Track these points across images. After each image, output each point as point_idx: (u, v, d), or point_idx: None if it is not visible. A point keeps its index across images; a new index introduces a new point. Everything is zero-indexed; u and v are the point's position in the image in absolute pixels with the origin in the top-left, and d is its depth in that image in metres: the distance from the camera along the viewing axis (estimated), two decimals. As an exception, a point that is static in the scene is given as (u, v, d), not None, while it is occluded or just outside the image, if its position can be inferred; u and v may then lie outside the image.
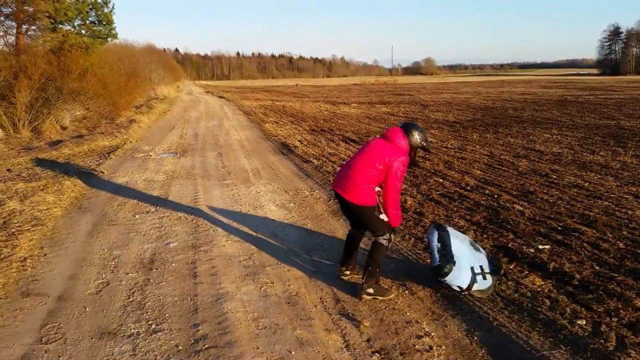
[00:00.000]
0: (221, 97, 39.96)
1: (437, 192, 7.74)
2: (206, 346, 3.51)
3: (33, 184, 7.85)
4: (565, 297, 4.22)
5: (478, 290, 4.29)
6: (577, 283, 4.49)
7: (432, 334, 3.74)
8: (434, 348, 3.55)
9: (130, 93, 23.34)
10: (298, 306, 4.14)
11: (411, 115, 20.17)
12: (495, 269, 4.45)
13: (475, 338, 3.70)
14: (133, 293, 4.32)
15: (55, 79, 16.30)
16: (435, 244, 4.37)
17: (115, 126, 16.20)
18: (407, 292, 4.41)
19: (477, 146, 12.01)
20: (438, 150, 11.31)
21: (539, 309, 4.03)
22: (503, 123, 16.61)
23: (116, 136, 14.02)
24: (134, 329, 3.73)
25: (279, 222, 6.36)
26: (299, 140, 13.39)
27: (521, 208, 6.79)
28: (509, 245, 5.47)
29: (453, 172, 9.09)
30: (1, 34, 16.59)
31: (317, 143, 12.89)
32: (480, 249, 4.61)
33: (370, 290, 4.29)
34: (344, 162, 4.79)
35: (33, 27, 18.24)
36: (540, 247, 5.37)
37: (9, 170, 9.54)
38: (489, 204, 7.00)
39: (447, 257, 4.24)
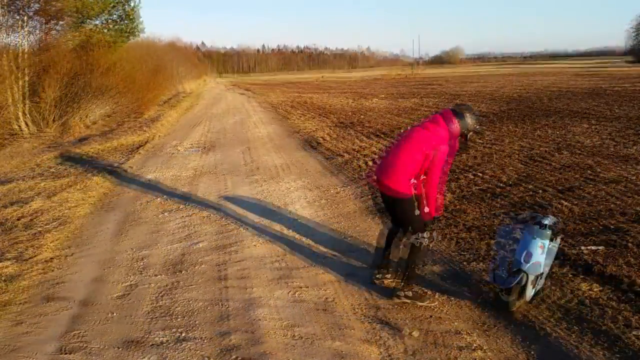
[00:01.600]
0: (246, 90, 39.90)
1: (477, 187, 7.38)
2: (238, 357, 3.27)
3: (60, 181, 7.76)
4: (628, 305, 3.86)
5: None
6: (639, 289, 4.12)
7: (484, 348, 3.42)
8: (486, 364, 3.25)
9: (156, 89, 23.34)
10: (334, 313, 3.87)
11: (440, 107, 19.67)
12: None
13: (532, 353, 3.37)
14: (161, 297, 4.11)
15: (82, 75, 16.33)
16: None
17: (141, 122, 16.18)
18: (452, 298, 4.09)
19: (513, 138, 11.55)
20: (473, 142, 10.90)
21: (600, 320, 3.67)
22: (538, 114, 16.01)
23: (143, 132, 13.96)
24: (161, 337, 3.51)
25: (310, 221, 6.10)
26: (326, 135, 13.10)
27: (568, 205, 6.39)
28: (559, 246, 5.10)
29: (491, 166, 8.69)
30: (29, 30, 16.66)
31: (344, 137, 12.59)
32: None
33: (409, 294, 4.00)
34: (385, 151, 4.46)
35: (60, 24, 18.30)
36: (593, 248, 4.99)
37: (37, 165, 9.50)
38: (532, 201, 6.61)
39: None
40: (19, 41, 15.01)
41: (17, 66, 14.19)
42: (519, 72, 58.08)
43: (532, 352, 3.36)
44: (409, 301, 3.99)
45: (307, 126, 14.93)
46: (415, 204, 3.97)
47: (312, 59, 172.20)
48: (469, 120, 3.96)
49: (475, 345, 3.45)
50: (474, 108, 4.22)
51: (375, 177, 4.14)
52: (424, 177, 3.96)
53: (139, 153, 10.80)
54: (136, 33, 22.14)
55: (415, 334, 3.55)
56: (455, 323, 3.72)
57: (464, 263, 4.78)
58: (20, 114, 14.06)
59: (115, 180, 8.19)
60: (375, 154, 10.11)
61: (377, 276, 4.32)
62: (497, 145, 10.63)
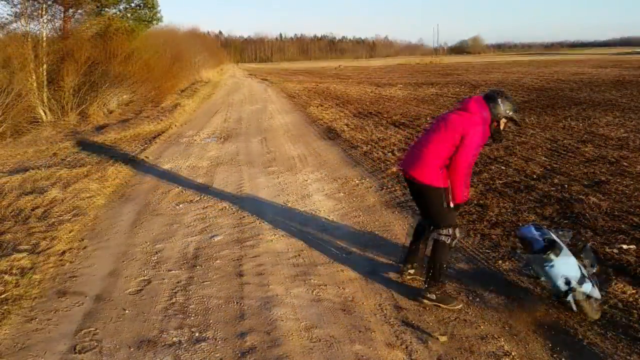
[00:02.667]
0: (264, 79, 39.71)
1: (501, 181, 7.14)
2: (254, 360, 3.14)
3: (76, 170, 7.70)
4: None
5: (585, 297, 3.66)
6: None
7: (513, 354, 3.24)
8: (517, 371, 3.08)
9: (174, 77, 23.30)
10: (355, 314, 3.71)
11: (461, 97, 19.29)
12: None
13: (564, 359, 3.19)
14: (175, 293, 3.99)
15: (100, 63, 16.31)
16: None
17: (160, 110, 16.12)
18: (477, 300, 3.90)
19: (536, 129, 11.23)
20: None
21: (636, 325, 3.46)
22: (560, 104, 15.60)
23: (161, 120, 13.89)
24: (176, 337, 3.39)
25: (329, 214, 5.93)
26: (345, 124, 12.89)
27: (596, 200, 6.13)
28: (589, 244, 4.86)
29: (515, 159, 8.43)
30: (49, 18, 16.66)
31: (364, 127, 12.37)
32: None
33: (432, 296, 3.81)
34: (415, 140, 4.26)
35: (79, 12, 18.29)
36: (625, 247, 4.75)
37: (54, 155, 9.47)
38: (559, 196, 6.36)
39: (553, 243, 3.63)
40: (39, 29, 15.05)
41: (37, 54, 14.20)
42: (540, 61, 57.01)
43: (564, 359, 3.18)
44: (431, 303, 3.82)
45: (325, 116, 14.73)
46: (443, 196, 3.76)
47: (330, 47, 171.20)
48: (503, 106, 3.72)
49: (503, 350, 3.27)
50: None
51: (403, 167, 3.94)
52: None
53: (156, 142, 10.72)
54: (154, 21, 22.09)
55: (443, 339, 3.38)
56: (482, 327, 3.54)
57: (489, 261, 4.59)
58: (38, 102, 14.08)
59: (132, 170, 8.11)
60: (395, 145, 9.90)
61: (410, 272, 4.20)
62: (520, 137, 10.35)
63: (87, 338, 3.36)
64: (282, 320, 3.59)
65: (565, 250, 3.62)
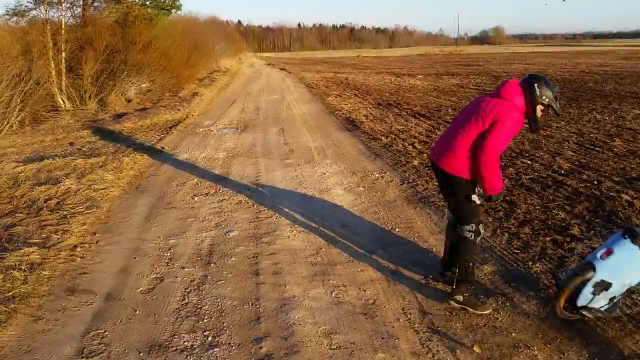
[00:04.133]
0: (282, 69, 39.45)
1: (527, 177, 6.85)
2: (270, 369, 2.95)
3: (92, 160, 7.57)
4: None
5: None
6: None
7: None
8: (552, 385, 2.84)
9: (193, 66, 23.14)
10: (377, 319, 3.50)
11: (483, 88, 18.86)
12: None
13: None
14: (188, 293, 3.81)
15: (119, 52, 16.21)
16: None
17: (178, 99, 16.00)
18: (507, 304, 3.66)
19: (561, 122, 10.86)
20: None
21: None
22: (585, 97, 15.15)
23: (178, 110, 13.76)
24: (188, 341, 3.21)
25: (348, 209, 5.71)
26: (364, 115, 12.62)
27: (629, 198, 5.82)
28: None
29: (541, 153, 8.12)
30: (68, 5, 16.58)
31: (384, 118, 12.09)
32: None
33: (459, 298, 3.57)
34: (446, 127, 3.97)
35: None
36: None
37: (71, 144, 9.38)
38: (589, 192, 6.06)
39: None
40: (58, 16, 14.97)
41: (55, 42, 14.14)
42: (563, 52, 55.82)
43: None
44: (458, 306, 3.59)
45: (344, 106, 14.46)
46: (471, 189, 3.51)
47: (349, 37, 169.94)
48: (539, 91, 3.40)
49: (537, 360, 3.04)
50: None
51: (431, 156, 3.70)
52: None
53: (173, 132, 10.57)
54: (174, 9, 21.92)
55: (477, 349, 3.15)
56: (513, 334, 3.31)
57: (519, 262, 4.34)
58: (57, 90, 14.04)
59: (148, 161, 7.96)
60: (415, 137, 9.62)
61: (444, 275, 3.92)
62: (545, 130, 10.01)
63: (95, 341, 3.20)
64: (300, 325, 3.40)
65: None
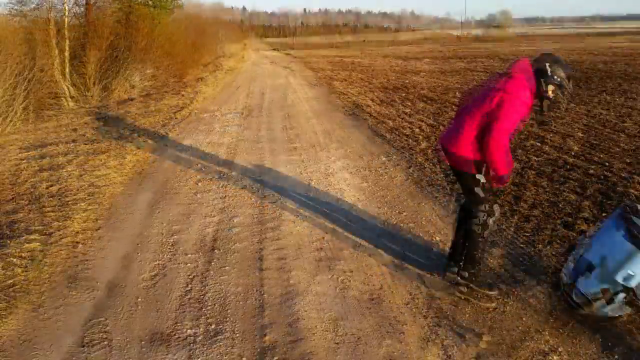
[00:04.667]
0: (287, 54, 39.17)
1: (537, 158, 6.70)
2: (275, 359, 2.86)
3: (95, 146, 7.49)
4: None
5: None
6: None
7: (560, 350, 2.91)
8: (565, 372, 2.75)
9: (197, 51, 22.96)
10: (384, 306, 3.41)
11: (491, 70, 18.58)
12: None
13: (616, 357, 2.84)
14: (192, 281, 3.73)
15: (123, 38, 16.06)
16: None
17: (182, 85, 15.88)
18: (517, 288, 3.55)
19: (571, 104, 10.66)
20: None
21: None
22: (594, 78, 14.93)
23: (183, 96, 13.63)
24: (191, 330, 3.13)
25: (354, 195, 5.59)
26: (370, 99, 12.45)
27: (644, 181, 5.68)
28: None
29: (551, 134, 7.96)
30: (71, 5, 16.39)
31: (390, 102, 11.91)
32: None
33: (465, 274, 3.53)
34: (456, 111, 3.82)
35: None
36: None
37: (74, 130, 9.30)
38: (601, 174, 5.93)
39: None
40: (63, 8, 14.79)
41: (59, 29, 14.00)
42: (572, 34, 55.00)
43: (616, 357, 2.84)
44: (465, 291, 3.50)
45: (349, 90, 14.28)
46: (482, 171, 3.36)
47: (355, 21, 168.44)
48: (550, 70, 3.23)
49: (549, 346, 2.94)
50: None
51: (442, 141, 3.56)
52: None
53: (177, 118, 10.45)
54: (175, 8, 21.59)
55: (486, 338, 3.05)
56: (523, 318, 3.21)
57: (527, 246, 4.23)
58: (61, 77, 13.94)
59: (151, 148, 7.86)
60: (423, 120, 9.47)
61: (453, 269, 3.75)
62: (554, 112, 9.79)
63: (96, 331, 3.12)
64: (305, 313, 3.31)
65: None
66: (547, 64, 3.25)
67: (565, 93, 3.32)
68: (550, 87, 3.27)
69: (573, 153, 6.87)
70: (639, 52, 24.49)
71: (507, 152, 3.24)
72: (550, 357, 2.85)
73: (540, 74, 3.25)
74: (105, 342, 3.00)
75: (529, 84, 3.23)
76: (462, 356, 2.88)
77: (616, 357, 2.84)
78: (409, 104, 11.58)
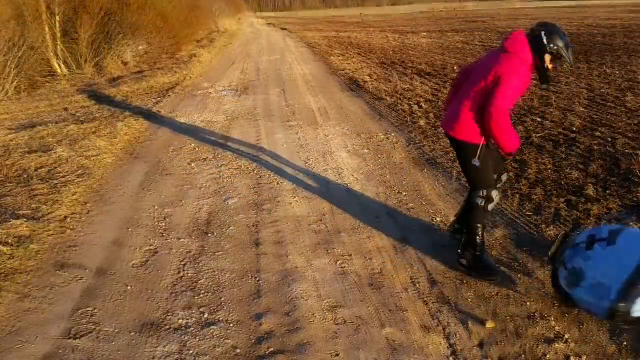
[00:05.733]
0: (283, 29, 38.54)
1: (538, 135, 6.55)
2: (271, 350, 2.74)
3: (86, 126, 7.28)
4: None
5: None
6: None
7: (566, 336, 2.80)
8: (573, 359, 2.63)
9: (191, 26, 22.51)
10: (384, 290, 3.29)
11: (488, 44, 18.27)
12: None
13: (625, 343, 2.73)
14: (184, 266, 3.59)
15: (115, 14, 15.68)
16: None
17: (175, 61, 15.57)
18: (521, 272, 3.43)
19: (571, 77, 10.48)
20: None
21: None
22: (593, 52, 14.68)
23: (176, 72, 13.35)
24: (183, 318, 3.00)
25: (353, 173, 5.44)
26: (368, 75, 12.21)
27: (646, 156, 5.54)
28: (643, 205, 4.35)
29: (552, 110, 7.79)
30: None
31: (388, 78, 11.68)
32: None
33: (463, 262, 3.45)
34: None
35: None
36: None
37: (65, 109, 9.08)
38: (604, 150, 5.79)
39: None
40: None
41: (49, 5, 13.63)
42: (569, 6, 54.27)
43: (624, 343, 2.73)
44: (463, 270, 3.43)
45: (346, 66, 14.01)
46: (479, 154, 3.22)
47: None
48: (546, 39, 3.06)
49: (555, 332, 2.83)
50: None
51: (442, 124, 3.47)
52: None
53: (170, 95, 10.21)
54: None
55: (490, 325, 2.93)
56: (528, 303, 3.10)
57: (531, 226, 4.10)
58: (53, 54, 13.63)
59: (144, 126, 7.66)
60: (421, 96, 9.27)
61: (456, 227, 3.75)
62: (554, 86, 9.64)
63: (84, 320, 2.99)
64: (303, 299, 3.19)
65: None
66: (543, 34, 3.08)
67: (565, 62, 3.15)
68: (548, 58, 3.12)
69: (574, 129, 6.72)
70: (637, 24, 24.14)
71: (510, 130, 3.11)
72: (556, 345, 2.74)
73: (536, 45, 3.08)
74: (94, 333, 2.87)
75: (526, 58, 3.08)
76: (464, 344, 2.77)
77: (624, 344, 2.74)
78: (407, 79, 11.36)
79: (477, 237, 3.38)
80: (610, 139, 6.21)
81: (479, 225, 3.37)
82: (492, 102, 2.97)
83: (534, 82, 3.35)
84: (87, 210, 4.55)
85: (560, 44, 3.06)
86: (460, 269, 3.47)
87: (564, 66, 3.17)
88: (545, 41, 3.05)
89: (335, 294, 3.25)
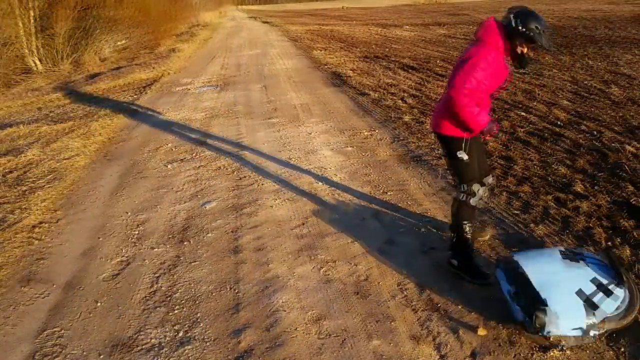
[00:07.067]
0: (265, 22, 38.14)
1: (523, 130, 6.43)
2: (251, 370, 2.56)
3: (59, 126, 7.02)
4: None
5: (612, 318, 2.66)
6: None
7: (562, 344, 2.65)
8: (570, 369, 2.50)
9: (171, 20, 22.14)
10: (371, 298, 3.12)
11: (471, 37, 18.12)
12: (616, 275, 2.77)
13: (622, 350, 2.61)
14: (158, 278, 3.39)
15: (92, 8, 15.29)
16: (508, 289, 2.89)
17: (154, 56, 15.25)
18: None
19: (554, 70, 10.41)
20: (511, 77, 9.75)
21: None
22: (575, 43, 14.66)
23: (154, 68, 13.06)
24: (156, 337, 2.80)
25: (337, 173, 5.27)
26: (351, 69, 12.01)
27: (633, 149, 5.45)
28: (632, 201, 4.23)
29: (536, 103, 7.68)
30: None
31: (372, 72, 11.50)
32: (585, 253, 2.97)
33: (454, 262, 3.34)
34: None
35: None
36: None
37: (39, 109, 8.78)
38: (591, 144, 5.69)
39: (530, 300, 2.68)
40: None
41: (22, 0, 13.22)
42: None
43: (622, 350, 2.60)
44: (454, 271, 3.33)
45: (329, 60, 13.79)
46: (461, 147, 3.15)
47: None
48: (515, 22, 2.93)
49: (549, 341, 2.69)
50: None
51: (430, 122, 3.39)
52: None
53: (148, 92, 9.92)
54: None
55: (482, 332, 2.78)
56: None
57: (519, 225, 3.98)
58: (28, 51, 13.24)
59: (119, 125, 7.39)
60: (405, 91, 9.12)
61: None
62: (538, 79, 9.56)
63: (50, 342, 2.77)
64: (285, 311, 3.01)
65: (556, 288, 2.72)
66: (512, 17, 2.96)
67: (539, 44, 2.99)
68: (520, 41, 2.98)
69: (560, 123, 6.61)
70: (617, 15, 24.25)
71: (473, 111, 2.97)
72: (551, 353, 2.60)
73: (507, 30, 2.96)
74: (60, 355, 2.65)
75: (495, 44, 2.96)
76: (456, 355, 2.62)
77: (622, 350, 2.61)
78: (391, 73, 11.19)
79: (464, 234, 3.27)
80: (596, 133, 6.12)
81: (465, 222, 3.26)
82: (451, 85, 2.93)
83: (519, 75, 3.20)
84: (57, 218, 4.31)
85: (532, 25, 2.92)
86: (450, 270, 3.35)
87: (539, 49, 3.02)
88: (514, 24, 2.93)
89: (319, 304, 3.08)
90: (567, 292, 2.68)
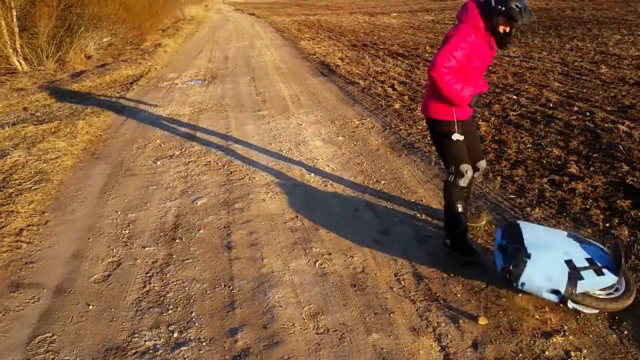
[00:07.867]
0: (251, 14, 37.79)
1: (515, 113, 6.39)
2: (248, 371, 2.51)
3: (44, 127, 6.87)
4: None
5: (591, 295, 2.61)
6: None
7: (565, 329, 2.63)
8: (573, 355, 2.46)
9: (155, 15, 21.81)
10: (368, 290, 3.07)
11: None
12: (615, 265, 2.69)
13: (625, 333, 2.58)
14: (150, 278, 3.31)
15: (75, 5, 15.02)
16: (499, 243, 2.91)
17: (140, 52, 15.02)
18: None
19: (543, 52, 10.40)
20: (500, 61, 9.74)
21: None
22: (563, 25, 14.70)
23: (140, 63, 12.85)
24: (151, 339, 2.73)
25: (328, 163, 5.20)
26: (339, 58, 11.91)
27: (626, 129, 5.43)
28: (628, 180, 4.21)
29: (527, 86, 7.65)
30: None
31: (360, 60, 11.40)
32: (593, 242, 2.93)
33: (447, 241, 3.38)
34: None
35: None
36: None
37: (24, 109, 8.61)
38: (583, 125, 5.67)
39: (515, 251, 2.71)
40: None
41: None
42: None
43: (625, 332, 2.58)
44: (447, 250, 3.39)
45: (317, 50, 13.67)
46: (446, 130, 3.21)
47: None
48: (495, 1, 2.91)
49: (551, 326, 2.66)
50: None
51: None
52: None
53: (134, 88, 9.75)
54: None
55: (483, 321, 2.74)
56: (520, 294, 2.91)
57: (515, 209, 3.95)
58: (11, 51, 13.00)
59: (106, 122, 7.26)
60: (395, 78, 9.05)
61: None
62: (527, 62, 9.53)
63: (41, 349, 2.69)
64: (281, 307, 2.95)
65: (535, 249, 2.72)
66: None
67: (519, 22, 2.96)
68: (499, 19, 2.96)
69: (551, 105, 6.58)
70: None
71: (456, 87, 3.02)
72: (554, 339, 2.57)
73: (485, 8, 2.97)
74: (51, 363, 2.59)
75: (474, 23, 2.99)
76: (457, 346, 2.58)
77: (625, 332, 2.58)
78: (380, 61, 11.10)
79: (456, 211, 3.26)
80: (588, 113, 6.09)
81: (454, 200, 3.26)
82: (432, 65, 2.97)
83: (509, 57, 3.14)
84: (45, 220, 4.21)
85: (510, 4, 2.90)
86: (444, 250, 3.42)
87: (520, 27, 3.03)
88: (493, 3, 2.93)
89: (316, 298, 3.02)
90: (556, 257, 2.67)
